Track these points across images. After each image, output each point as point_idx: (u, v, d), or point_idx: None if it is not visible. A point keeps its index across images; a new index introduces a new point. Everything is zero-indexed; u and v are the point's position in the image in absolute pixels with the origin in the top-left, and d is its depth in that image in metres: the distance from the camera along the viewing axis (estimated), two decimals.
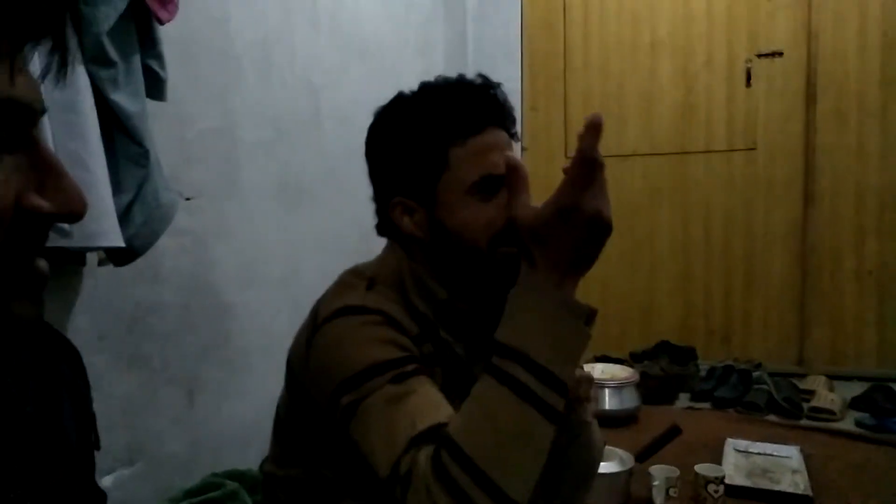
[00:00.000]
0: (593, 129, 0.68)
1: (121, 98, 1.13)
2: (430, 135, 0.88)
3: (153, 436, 1.43)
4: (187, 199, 1.52)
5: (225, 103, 1.68)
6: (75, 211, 0.42)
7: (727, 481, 1.75)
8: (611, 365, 2.49)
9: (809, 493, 1.71)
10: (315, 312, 0.88)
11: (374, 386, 0.77)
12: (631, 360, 2.85)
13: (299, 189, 1.94)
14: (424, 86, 0.94)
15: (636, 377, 2.38)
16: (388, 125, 0.95)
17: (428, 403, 0.76)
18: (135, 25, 1.18)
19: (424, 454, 0.70)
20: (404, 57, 2.71)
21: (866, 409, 2.35)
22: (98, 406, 0.64)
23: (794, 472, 1.84)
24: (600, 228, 0.70)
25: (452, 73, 2.65)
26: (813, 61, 2.86)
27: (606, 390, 2.32)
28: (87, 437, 0.62)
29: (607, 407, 2.30)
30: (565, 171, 0.71)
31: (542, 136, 3.27)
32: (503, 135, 0.90)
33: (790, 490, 1.73)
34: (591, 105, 3.18)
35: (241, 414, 1.52)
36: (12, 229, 0.39)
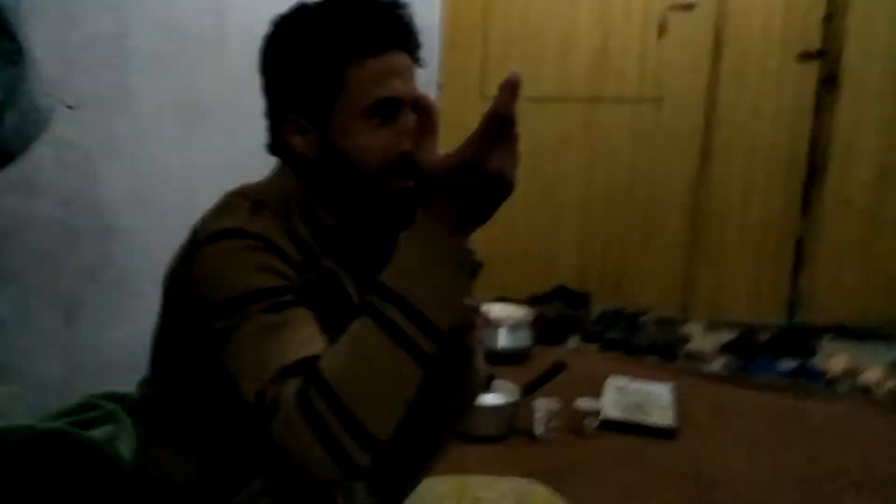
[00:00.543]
0: (511, 87, 0.67)
1: None
2: (327, 51, 0.84)
3: (26, 355, 1.37)
4: (69, 107, 1.41)
5: (118, 6, 1.56)
6: None
7: (602, 416, 1.88)
8: (507, 305, 2.58)
9: (673, 424, 1.86)
10: (194, 233, 0.85)
11: (248, 313, 0.75)
12: (528, 302, 2.96)
13: (199, 108, 1.84)
14: (330, 1, 0.90)
15: (530, 317, 2.47)
16: (285, 37, 0.90)
17: (301, 335, 0.75)
18: None
19: (293, 386, 0.69)
20: None
21: (735, 352, 2.56)
22: None
23: (664, 407, 1.99)
24: (500, 188, 0.69)
25: None
26: (721, 18, 2.95)
27: (501, 329, 2.41)
28: None
29: (502, 345, 2.39)
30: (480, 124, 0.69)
31: (458, 75, 3.24)
32: (406, 59, 0.88)
33: (656, 422, 1.88)
34: (509, 46, 3.17)
35: (126, 338, 1.46)
36: None
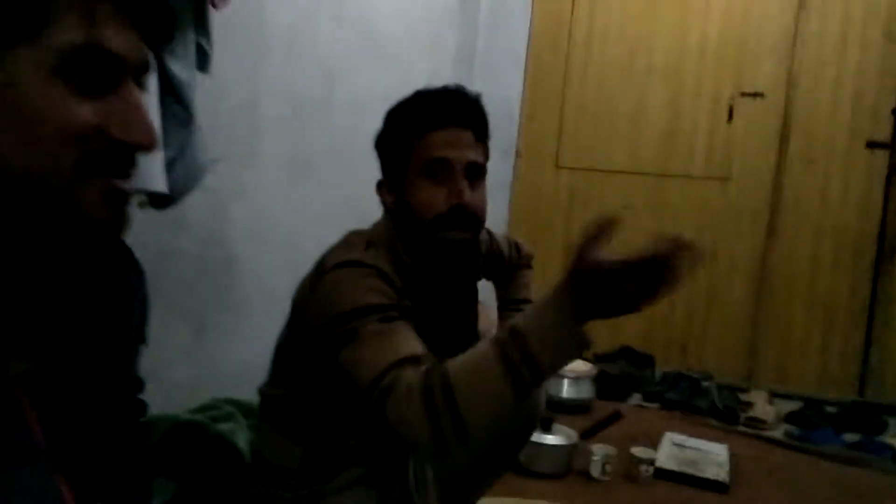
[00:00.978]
0: (680, 245, 0.79)
1: (176, 67, 1.34)
2: (403, 130, 1.11)
3: (163, 363, 1.64)
4: (214, 161, 1.72)
5: (253, 82, 1.89)
6: (145, 143, 0.57)
7: (657, 465, 1.99)
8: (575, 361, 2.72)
9: (726, 480, 1.94)
10: (321, 263, 1.09)
11: (364, 322, 0.97)
12: (595, 359, 3.09)
13: (308, 163, 2.15)
14: (415, 93, 1.16)
15: (593, 372, 2.61)
16: (384, 124, 1.17)
17: (408, 339, 0.96)
18: (193, 8, 1.39)
19: (412, 371, 0.88)
20: (415, 55, 2.92)
21: (797, 422, 2.60)
22: None
23: (720, 464, 2.07)
24: (629, 305, 0.81)
25: (459, 76, 2.95)
26: (790, 105, 3.10)
27: (565, 380, 2.55)
28: (141, 334, 0.82)
29: (564, 395, 2.53)
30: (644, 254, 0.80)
31: (536, 144, 3.49)
32: (465, 133, 1.11)
33: (710, 476, 1.97)
34: (584, 119, 3.41)
35: (242, 355, 1.72)
36: (98, 153, 0.54)
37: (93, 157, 0.56)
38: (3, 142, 0.53)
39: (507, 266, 1.42)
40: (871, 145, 2.98)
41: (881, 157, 2.97)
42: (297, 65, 2.08)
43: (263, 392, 1.22)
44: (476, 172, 1.12)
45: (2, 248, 0.57)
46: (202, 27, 1.45)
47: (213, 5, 1.42)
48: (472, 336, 1.29)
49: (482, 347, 0.89)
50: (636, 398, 2.86)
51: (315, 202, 2.16)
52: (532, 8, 3.44)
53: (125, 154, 0.58)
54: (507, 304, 1.41)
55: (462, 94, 1.15)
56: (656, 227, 3.28)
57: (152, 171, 1.28)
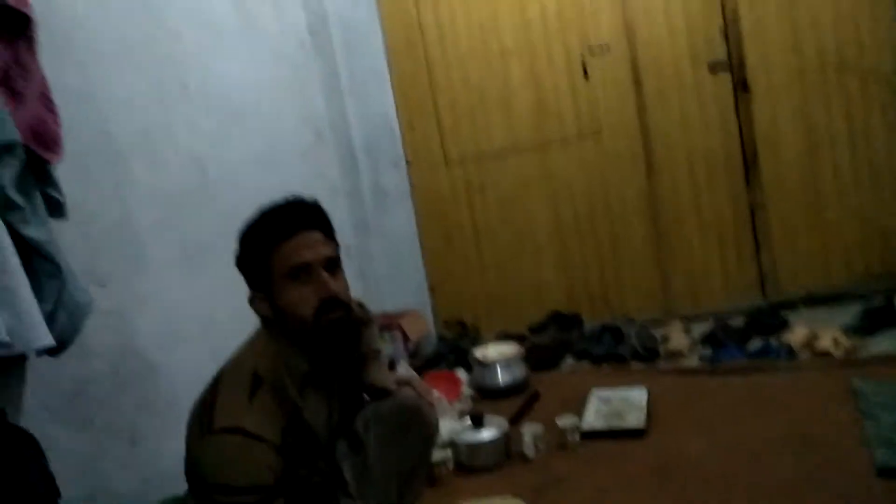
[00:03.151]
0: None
1: (31, 231, 1.45)
2: (257, 249, 1.26)
3: (105, 480, 1.77)
4: (102, 286, 1.83)
5: (118, 197, 1.99)
6: None
7: (583, 427, 2.20)
8: (501, 345, 2.93)
9: (642, 426, 2.16)
10: (204, 418, 1.21)
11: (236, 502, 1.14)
12: (529, 332, 3.30)
13: (200, 252, 2.26)
14: (260, 212, 1.30)
15: (520, 352, 2.81)
16: (240, 246, 1.32)
17: None
18: (32, 171, 1.49)
19: None
20: (282, 105, 3.03)
21: (710, 343, 2.85)
22: (56, 465, 0.97)
23: (640, 409, 2.29)
24: None
25: (331, 108, 3.13)
26: (633, 50, 3.31)
27: (498, 367, 2.75)
28: (50, 490, 0.97)
29: (499, 382, 2.73)
30: None
31: (421, 148, 3.65)
32: (314, 234, 1.28)
33: (629, 425, 2.19)
34: (459, 114, 3.57)
35: (180, 453, 1.85)
36: None
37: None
38: None
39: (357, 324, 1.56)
40: (713, 67, 3.22)
41: (724, 77, 3.21)
42: (161, 165, 2.18)
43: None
44: (334, 264, 1.30)
45: None
46: (46, 180, 1.55)
47: (49, 163, 1.52)
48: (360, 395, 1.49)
49: None
50: (569, 361, 3.08)
51: (215, 287, 2.26)
52: (382, 25, 3.57)
53: None
54: (361, 356, 1.54)
55: (302, 203, 1.31)
56: (549, 192, 3.50)
57: (35, 331, 1.40)
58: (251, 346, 1.32)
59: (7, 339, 1.33)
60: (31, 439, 0.93)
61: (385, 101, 3.59)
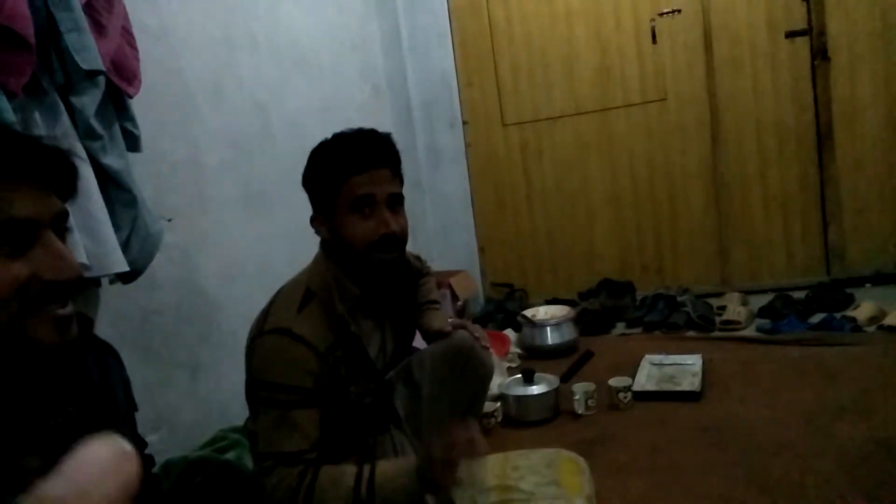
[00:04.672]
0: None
1: (110, 160, 1.49)
2: (326, 175, 1.27)
3: (170, 409, 1.83)
4: (169, 220, 1.88)
5: (187, 137, 2.03)
6: (71, 278, 0.75)
7: (635, 388, 2.18)
8: (551, 306, 2.91)
9: (697, 389, 2.13)
10: (261, 320, 1.28)
11: (276, 398, 1.22)
12: (578, 298, 3.27)
13: (260, 195, 2.30)
14: (334, 137, 1.32)
15: (572, 314, 2.79)
16: (311, 164, 1.33)
17: (300, 432, 1.21)
18: (111, 103, 1.53)
19: (285, 470, 1.18)
20: (342, 58, 3.04)
21: (767, 316, 2.78)
22: None
23: (694, 374, 2.26)
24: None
25: (391, 64, 3.18)
26: (706, 14, 3.20)
27: (548, 328, 2.74)
28: (129, 401, 1.01)
29: (549, 342, 2.72)
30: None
31: (479, 109, 3.62)
32: (384, 172, 1.30)
33: (684, 388, 2.16)
34: (520, 75, 3.52)
35: (238, 386, 1.91)
36: (36, 294, 0.72)
37: (34, 299, 0.73)
38: None
39: (415, 274, 1.59)
40: (791, 35, 3.09)
41: (802, 44, 3.08)
42: (226, 108, 2.22)
43: (248, 427, 1.42)
44: (396, 201, 1.32)
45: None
46: (124, 114, 1.60)
47: (128, 95, 1.56)
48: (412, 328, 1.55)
49: (349, 474, 1.19)
50: (620, 327, 3.05)
51: (273, 231, 2.32)
52: None
53: (58, 289, 0.76)
54: (419, 306, 1.58)
55: (376, 136, 1.32)
56: (608, 158, 3.43)
57: (111, 256, 1.45)
58: (309, 266, 1.36)
59: (86, 262, 1.38)
60: (114, 352, 0.96)
61: (445, 59, 3.57)
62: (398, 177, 1.35)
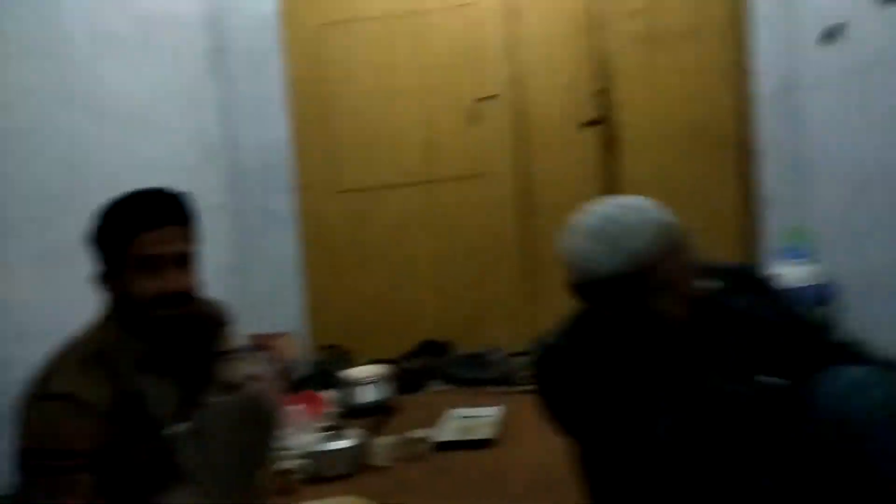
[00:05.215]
0: None
1: None
2: (115, 232, 1.34)
3: None
4: None
5: None
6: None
7: (434, 438, 2.34)
8: (370, 366, 3.04)
9: (492, 437, 2.33)
10: (39, 383, 1.28)
11: (49, 466, 1.22)
12: (400, 359, 3.42)
13: (66, 253, 2.25)
14: (126, 196, 1.37)
15: (386, 372, 2.93)
16: (96, 223, 1.37)
17: (76, 499, 1.22)
18: None
19: None
20: (173, 119, 3.08)
21: None
22: None
23: (491, 425, 2.46)
24: None
25: (227, 129, 3.28)
26: (518, 101, 3.61)
27: (363, 387, 2.85)
28: None
29: (364, 399, 2.83)
30: None
31: (313, 176, 3.73)
32: (173, 229, 1.35)
33: (479, 437, 2.34)
34: (353, 145, 3.72)
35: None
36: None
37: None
38: None
39: (213, 325, 1.63)
40: (590, 124, 3.56)
41: (596, 132, 3.56)
42: (38, 161, 2.18)
43: (18, 498, 1.40)
44: (185, 259, 1.39)
45: None
46: None
47: None
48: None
49: None
50: (436, 385, 3.23)
51: (72, 290, 2.26)
52: (284, 55, 3.70)
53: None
54: (217, 356, 1.59)
55: (167, 195, 1.38)
56: (433, 228, 3.69)
57: None
58: (91, 325, 1.38)
59: None
60: None
61: (281, 127, 3.70)
62: (190, 235, 1.41)
